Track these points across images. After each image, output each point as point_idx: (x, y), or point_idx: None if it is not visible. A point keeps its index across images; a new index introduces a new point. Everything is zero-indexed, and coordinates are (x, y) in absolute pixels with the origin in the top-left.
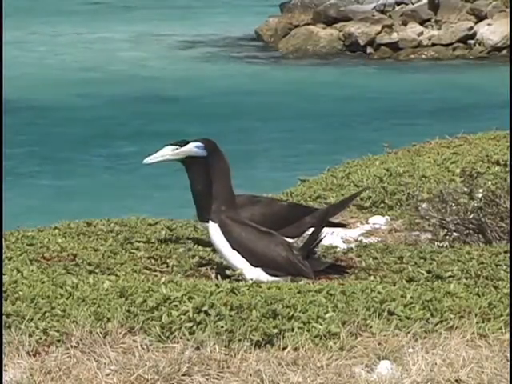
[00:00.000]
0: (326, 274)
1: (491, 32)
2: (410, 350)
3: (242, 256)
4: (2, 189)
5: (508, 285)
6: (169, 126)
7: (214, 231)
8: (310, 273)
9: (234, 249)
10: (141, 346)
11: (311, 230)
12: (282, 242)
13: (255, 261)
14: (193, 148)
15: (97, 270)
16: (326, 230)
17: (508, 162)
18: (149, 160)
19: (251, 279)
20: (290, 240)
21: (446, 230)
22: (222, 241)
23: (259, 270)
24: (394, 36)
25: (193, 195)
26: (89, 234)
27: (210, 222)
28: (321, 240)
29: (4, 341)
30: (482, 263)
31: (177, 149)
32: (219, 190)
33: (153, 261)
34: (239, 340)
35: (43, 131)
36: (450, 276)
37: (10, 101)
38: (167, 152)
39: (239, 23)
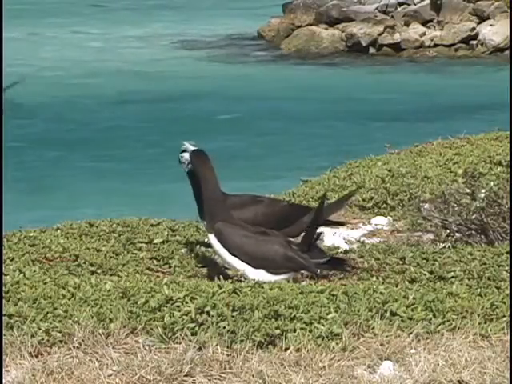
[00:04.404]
0: (328, 266)
1: (493, 33)
2: (413, 350)
3: (242, 260)
4: (1, 189)
5: None
6: (169, 126)
7: (212, 240)
8: (312, 266)
9: (232, 254)
10: (143, 346)
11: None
12: (278, 240)
13: (255, 263)
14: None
15: (99, 271)
16: (326, 229)
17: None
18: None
19: (253, 279)
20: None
21: (448, 231)
22: (221, 248)
23: (261, 271)
24: (397, 36)
25: (194, 195)
26: (91, 234)
27: (207, 232)
28: (319, 234)
29: (6, 341)
30: (485, 264)
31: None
32: (207, 197)
33: (155, 261)
34: (241, 341)
35: (49, 130)
36: (452, 277)
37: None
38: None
39: (241, 24)
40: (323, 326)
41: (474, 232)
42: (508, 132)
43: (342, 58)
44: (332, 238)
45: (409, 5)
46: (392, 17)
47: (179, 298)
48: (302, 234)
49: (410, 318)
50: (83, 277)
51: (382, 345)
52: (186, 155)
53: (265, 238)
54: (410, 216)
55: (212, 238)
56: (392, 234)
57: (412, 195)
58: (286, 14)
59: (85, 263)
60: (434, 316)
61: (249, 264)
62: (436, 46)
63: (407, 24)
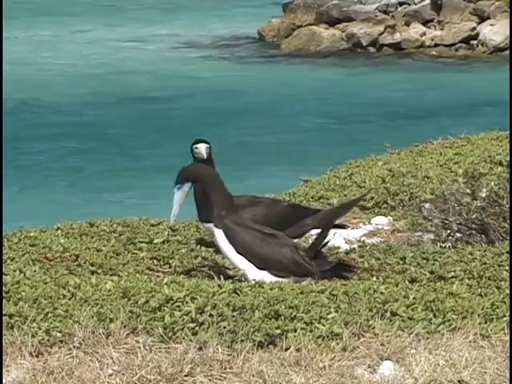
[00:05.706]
0: (332, 273)
1: (494, 32)
2: (413, 350)
3: (247, 259)
4: (1, 189)
5: None
6: (170, 127)
7: (219, 236)
8: (317, 273)
9: (238, 253)
10: (143, 346)
11: (313, 231)
12: (287, 244)
13: (260, 263)
14: (184, 191)
15: (99, 271)
16: (330, 232)
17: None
18: (172, 219)
19: (253, 280)
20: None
21: (448, 231)
22: (227, 245)
23: (265, 272)
24: (397, 36)
25: (194, 196)
26: (91, 234)
27: (214, 227)
28: (328, 241)
29: (6, 341)
30: (485, 264)
31: (179, 188)
32: (216, 197)
33: (155, 261)
34: (242, 341)
35: (52, 130)
36: (452, 276)
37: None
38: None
39: (242, 24)
40: (323, 325)
41: (474, 232)
42: (508, 132)
43: (343, 58)
44: (332, 238)
45: (409, 5)
46: (392, 17)
47: (179, 298)
48: (312, 240)
49: (411, 318)
50: (83, 277)
51: (382, 345)
52: (202, 146)
53: (274, 239)
54: (410, 216)
55: (219, 234)
56: (392, 234)
57: (412, 195)
58: (287, 13)
59: (85, 263)
60: (435, 316)
61: (253, 264)
62: (436, 45)
63: (408, 24)
